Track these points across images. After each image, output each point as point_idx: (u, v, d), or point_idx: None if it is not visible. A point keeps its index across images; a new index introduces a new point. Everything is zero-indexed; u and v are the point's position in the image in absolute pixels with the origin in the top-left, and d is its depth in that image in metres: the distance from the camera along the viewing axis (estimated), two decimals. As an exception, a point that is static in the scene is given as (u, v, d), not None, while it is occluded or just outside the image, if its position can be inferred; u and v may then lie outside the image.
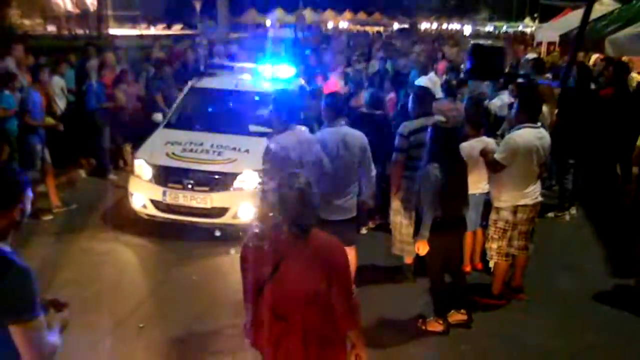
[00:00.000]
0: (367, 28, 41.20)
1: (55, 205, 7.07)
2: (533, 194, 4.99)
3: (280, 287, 2.64)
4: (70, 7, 25.53)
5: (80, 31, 23.77)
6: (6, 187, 2.18)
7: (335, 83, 9.68)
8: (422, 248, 4.57)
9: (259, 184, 5.96)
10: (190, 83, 8.21)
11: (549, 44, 17.72)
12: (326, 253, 2.69)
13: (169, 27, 33.07)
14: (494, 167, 4.96)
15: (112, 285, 5.41)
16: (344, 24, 42.55)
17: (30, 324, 2.10)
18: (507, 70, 9.36)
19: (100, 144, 8.58)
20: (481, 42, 11.33)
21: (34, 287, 2.13)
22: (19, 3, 20.50)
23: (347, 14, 44.52)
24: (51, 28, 25.57)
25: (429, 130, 4.73)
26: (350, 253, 4.95)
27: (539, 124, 5.09)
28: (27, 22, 22.09)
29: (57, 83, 8.53)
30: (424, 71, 10.00)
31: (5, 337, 2.10)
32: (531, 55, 12.30)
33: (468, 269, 5.60)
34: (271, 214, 2.71)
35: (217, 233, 6.34)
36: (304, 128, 5.39)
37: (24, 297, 2.10)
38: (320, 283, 2.63)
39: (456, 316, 4.79)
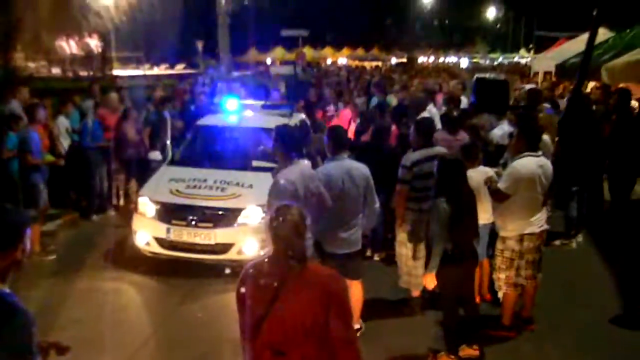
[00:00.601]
0: (366, 63, 41.83)
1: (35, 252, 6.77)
2: (539, 222, 4.97)
3: (277, 322, 2.61)
4: (74, 49, 25.99)
5: (84, 73, 24.10)
6: (8, 227, 2.18)
7: (347, 116, 9.80)
8: (430, 281, 4.52)
9: (263, 218, 5.97)
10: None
11: (546, 73, 17.95)
12: (323, 283, 2.67)
13: (172, 67, 33.60)
14: (498, 196, 4.96)
15: (116, 325, 5.35)
16: (342, 60, 43.23)
17: None
18: (511, 102, 9.40)
19: (91, 183, 8.49)
20: (482, 75, 11.45)
21: (32, 330, 2.10)
22: (24, 46, 20.86)
23: (346, 50, 45.30)
24: (55, 70, 25.96)
25: (435, 163, 4.73)
26: (357, 287, 4.94)
27: (540, 152, 5.10)
28: (31, 64, 22.44)
29: (62, 123, 8.58)
30: (423, 107, 10.09)
31: None
32: (528, 86, 12.43)
33: (477, 300, 5.53)
34: (267, 248, 2.71)
35: (227, 270, 6.28)
36: (306, 162, 5.42)
37: (21, 340, 2.08)
38: (318, 315, 2.60)
39: (468, 351, 4.70)
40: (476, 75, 9.84)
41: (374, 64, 40.02)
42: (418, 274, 5.45)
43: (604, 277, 6.54)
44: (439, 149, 5.63)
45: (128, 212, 7.88)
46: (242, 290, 2.71)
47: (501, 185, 4.91)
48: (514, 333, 5.14)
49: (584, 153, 7.14)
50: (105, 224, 8.34)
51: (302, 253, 2.68)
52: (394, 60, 45.91)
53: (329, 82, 18.15)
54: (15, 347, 2.06)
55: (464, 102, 10.43)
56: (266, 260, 2.73)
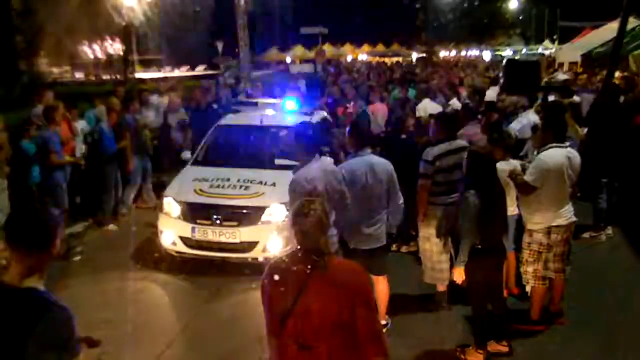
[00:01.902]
0: (386, 59, 41.60)
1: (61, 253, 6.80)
2: (567, 213, 4.88)
3: (303, 316, 2.61)
4: (97, 53, 26.44)
5: (107, 76, 24.49)
6: (45, 227, 2.23)
7: (382, 108, 10.07)
8: (459, 275, 4.48)
9: (287, 216, 5.97)
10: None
11: (571, 64, 17.65)
12: (347, 277, 2.68)
13: (192, 68, 33.85)
14: (525, 189, 4.87)
15: (144, 324, 5.40)
16: (362, 57, 43.07)
17: None
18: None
19: (106, 189, 8.23)
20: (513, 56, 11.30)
21: (73, 325, 2.15)
22: (48, 52, 21.26)
23: (366, 47, 45.13)
24: (79, 75, 26.46)
25: (465, 156, 4.67)
26: (382, 283, 4.91)
27: (567, 143, 5.00)
28: (55, 69, 22.88)
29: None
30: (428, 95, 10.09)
31: None
32: (562, 77, 12.17)
33: (504, 294, 5.46)
34: (291, 243, 2.72)
35: (260, 259, 6.26)
36: (329, 159, 5.41)
37: (64, 335, 2.13)
38: (343, 309, 2.60)
39: (496, 347, 4.64)
40: (506, 57, 9.74)
41: (394, 59, 39.78)
42: (443, 268, 5.40)
43: (635, 270, 6.41)
44: (461, 142, 5.56)
45: (150, 213, 7.96)
46: (267, 285, 2.73)
47: (528, 177, 4.82)
48: (542, 327, 5.06)
49: (613, 143, 6.99)
50: (131, 225, 8.40)
51: (325, 248, 2.69)
52: (414, 56, 45.54)
53: (348, 78, 18.13)
54: (50, 341, 2.10)
55: (490, 95, 10.28)
56: (291, 255, 2.74)
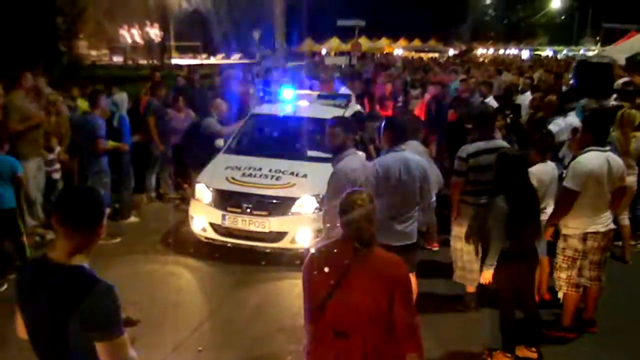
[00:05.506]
0: (422, 55, 41.10)
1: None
2: (605, 220, 4.73)
3: (342, 304, 2.64)
4: (135, 38, 26.78)
5: (144, 61, 24.79)
6: (95, 207, 2.27)
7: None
8: (486, 277, 4.41)
9: (320, 204, 5.98)
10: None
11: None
12: (388, 269, 2.69)
13: (227, 56, 34.08)
14: (566, 197, 4.67)
15: (171, 307, 5.46)
16: (399, 51, 42.68)
17: (117, 341, 2.13)
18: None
19: (124, 181, 7.92)
20: (585, 57, 10.88)
21: (118, 304, 2.16)
22: (87, 35, 21.61)
23: (402, 41, 44.73)
24: (116, 58, 26.85)
25: (495, 158, 4.58)
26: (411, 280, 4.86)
27: (608, 147, 4.85)
28: (94, 52, 23.25)
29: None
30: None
31: (89, 356, 2.12)
32: (621, 80, 11.76)
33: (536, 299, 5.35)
34: (335, 232, 2.73)
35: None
36: (362, 153, 5.39)
37: (110, 313, 2.13)
38: (382, 300, 2.62)
39: (525, 353, 4.56)
40: (578, 58, 9.48)
41: (430, 55, 39.29)
42: (473, 269, 5.34)
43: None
44: (499, 142, 5.47)
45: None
46: (309, 272, 2.76)
47: (567, 183, 4.66)
48: (573, 334, 4.95)
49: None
50: (165, 209, 8.51)
51: (370, 238, 2.69)
52: (451, 52, 44.92)
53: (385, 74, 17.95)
54: (105, 320, 2.12)
55: (524, 98, 10.01)
56: (334, 244, 2.76)
